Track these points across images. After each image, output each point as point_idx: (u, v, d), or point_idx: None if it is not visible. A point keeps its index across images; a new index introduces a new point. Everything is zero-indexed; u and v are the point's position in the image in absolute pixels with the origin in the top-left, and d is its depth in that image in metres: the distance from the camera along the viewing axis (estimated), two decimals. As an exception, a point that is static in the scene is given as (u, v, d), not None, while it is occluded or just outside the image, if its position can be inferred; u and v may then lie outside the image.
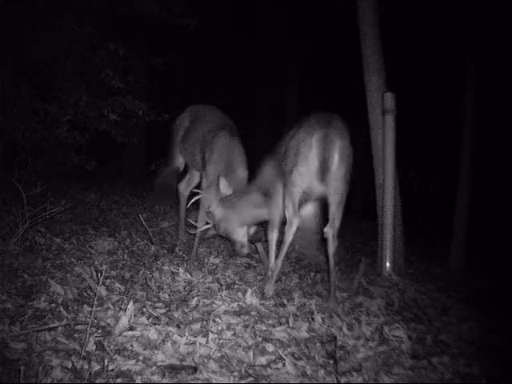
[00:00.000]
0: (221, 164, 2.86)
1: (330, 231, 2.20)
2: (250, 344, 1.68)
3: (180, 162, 3.51)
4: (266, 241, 2.71)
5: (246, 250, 2.83)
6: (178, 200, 3.57)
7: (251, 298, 2.14)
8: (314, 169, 2.13)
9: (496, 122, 6.40)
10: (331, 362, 1.60)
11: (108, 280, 2.25)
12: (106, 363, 1.42)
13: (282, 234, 2.41)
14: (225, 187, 2.76)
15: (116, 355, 1.49)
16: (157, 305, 2.00)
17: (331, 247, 2.21)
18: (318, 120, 2.20)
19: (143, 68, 6.67)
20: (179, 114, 3.62)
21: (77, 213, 3.89)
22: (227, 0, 8.64)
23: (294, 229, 2.22)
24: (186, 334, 1.69)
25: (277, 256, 2.30)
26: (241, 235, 2.81)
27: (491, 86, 5.53)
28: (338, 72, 8.78)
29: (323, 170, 2.12)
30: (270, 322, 1.92)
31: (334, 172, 2.13)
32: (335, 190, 2.16)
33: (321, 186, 2.16)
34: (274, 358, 1.59)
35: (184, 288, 2.31)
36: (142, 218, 3.36)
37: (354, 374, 1.54)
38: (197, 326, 1.78)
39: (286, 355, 1.58)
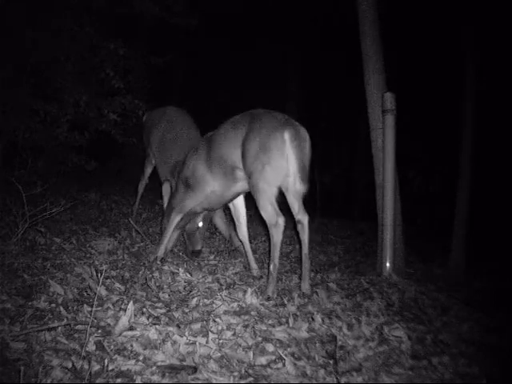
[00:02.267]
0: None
1: (305, 218, 2.30)
2: (250, 344, 1.68)
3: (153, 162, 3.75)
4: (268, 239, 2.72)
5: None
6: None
7: (251, 298, 2.13)
8: (291, 165, 2.17)
9: (496, 122, 6.40)
10: (331, 361, 1.59)
11: (108, 280, 2.25)
12: (106, 363, 1.42)
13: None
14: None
15: (116, 355, 1.48)
16: (157, 305, 2.00)
17: (307, 234, 2.31)
18: (277, 117, 2.26)
19: (143, 68, 6.68)
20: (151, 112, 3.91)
21: (77, 213, 3.89)
22: (227, 0, 8.64)
23: (281, 229, 2.22)
24: (186, 334, 1.69)
25: (271, 257, 2.28)
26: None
27: (491, 86, 5.53)
28: (338, 72, 8.79)
29: (301, 166, 2.18)
30: (269, 322, 1.91)
31: (306, 167, 2.23)
32: (304, 182, 2.23)
33: (299, 181, 2.21)
34: (274, 357, 1.59)
35: (184, 288, 2.31)
36: (132, 222, 3.41)
37: (354, 373, 1.53)
38: (197, 326, 1.78)
39: (286, 355, 1.58)
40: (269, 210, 2.22)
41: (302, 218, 2.31)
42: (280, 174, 2.19)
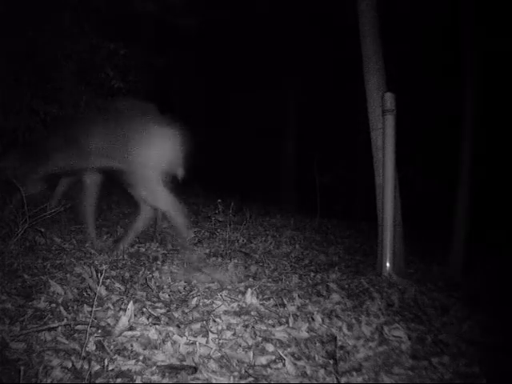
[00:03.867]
0: None
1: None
2: (250, 344, 1.68)
3: None
4: None
5: None
6: None
7: (251, 298, 2.14)
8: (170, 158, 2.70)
9: (496, 121, 6.40)
10: (331, 361, 1.59)
11: (108, 280, 2.25)
12: (106, 363, 1.42)
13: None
14: None
15: (116, 355, 1.48)
16: (157, 305, 2.00)
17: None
18: (157, 118, 2.86)
19: (143, 68, 6.66)
20: None
21: (77, 213, 3.88)
22: (227, 1, 8.64)
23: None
24: (186, 334, 1.69)
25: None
26: None
27: (491, 85, 5.53)
28: (338, 72, 8.79)
29: (175, 158, 2.72)
30: (270, 321, 1.92)
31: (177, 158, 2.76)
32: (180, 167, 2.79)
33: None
34: (274, 357, 1.59)
35: (184, 288, 2.31)
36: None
37: (354, 373, 1.53)
38: (197, 326, 1.78)
39: (286, 355, 1.58)
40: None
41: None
42: (161, 163, 2.67)
